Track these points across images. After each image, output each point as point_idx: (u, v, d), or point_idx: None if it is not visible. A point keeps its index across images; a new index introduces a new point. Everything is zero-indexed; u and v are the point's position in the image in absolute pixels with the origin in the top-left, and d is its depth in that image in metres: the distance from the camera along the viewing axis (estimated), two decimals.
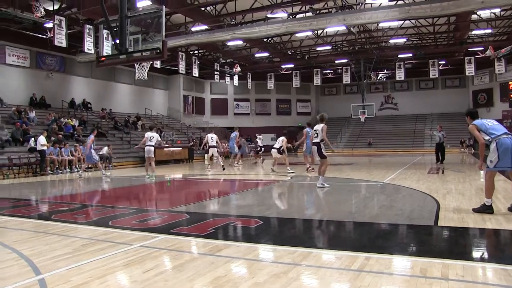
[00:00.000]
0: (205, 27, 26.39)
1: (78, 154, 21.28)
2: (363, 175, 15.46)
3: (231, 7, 24.31)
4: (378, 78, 41.86)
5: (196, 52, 34.90)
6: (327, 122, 11.83)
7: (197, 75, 32.93)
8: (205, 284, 3.99)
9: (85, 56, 27.83)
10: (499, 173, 8.68)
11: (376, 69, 40.83)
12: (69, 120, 26.27)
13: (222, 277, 4.19)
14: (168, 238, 5.90)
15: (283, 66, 40.67)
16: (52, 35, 21.88)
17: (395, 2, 23.39)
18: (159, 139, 16.32)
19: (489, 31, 30.46)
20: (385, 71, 40.94)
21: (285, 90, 46.62)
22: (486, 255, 5.04)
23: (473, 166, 18.79)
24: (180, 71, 30.66)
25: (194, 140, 32.96)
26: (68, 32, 21.61)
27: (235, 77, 37.40)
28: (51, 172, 19.63)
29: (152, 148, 15.83)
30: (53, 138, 21.71)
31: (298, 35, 29.85)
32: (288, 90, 46.63)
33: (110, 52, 12.66)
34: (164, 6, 10.91)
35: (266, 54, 36.61)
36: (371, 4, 22.98)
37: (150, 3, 19.80)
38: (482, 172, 9.49)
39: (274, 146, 17.44)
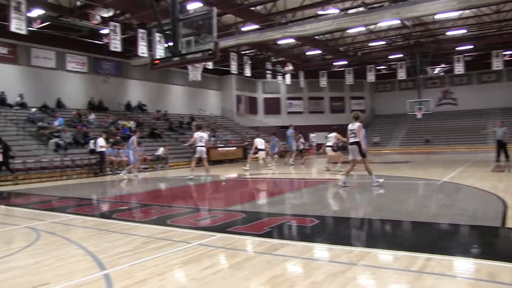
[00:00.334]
0: (256, 26, 26.46)
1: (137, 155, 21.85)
2: (421, 173, 15.07)
3: (281, 6, 24.28)
4: (435, 72, 40.62)
5: (247, 52, 35.06)
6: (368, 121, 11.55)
7: (249, 74, 33.10)
8: (262, 282, 4.02)
9: (139, 59, 28.54)
10: None
11: (433, 63, 39.62)
12: (126, 122, 27.04)
13: (279, 276, 4.20)
14: (224, 236, 5.99)
15: (335, 63, 40.16)
16: (107, 41, 22.68)
17: None
18: (207, 138, 16.34)
19: None
20: (443, 65, 39.65)
21: (338, 87, 46.01)
22: None
23: None
24: (232, 71, 30.92)
25: (248, 140, 33.17)
26: (122, 37, 22.34)
27: (287, 76, 37.31)
28: (110, 173, 20.30)
29: (204, 149, 15.86)
30: (111, 140, 22.43)
31: (350, 31, 29.40)
32: (341, 88, 45.99)
33: (163, 55, 12.95)
34: (215, 8, 11.05)
35: (318, 52, 36.27)
36: None
37: (201, 5, 20.07)
38: None
39: (327, 144, 17.24)
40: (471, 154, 27.72)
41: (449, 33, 31.87)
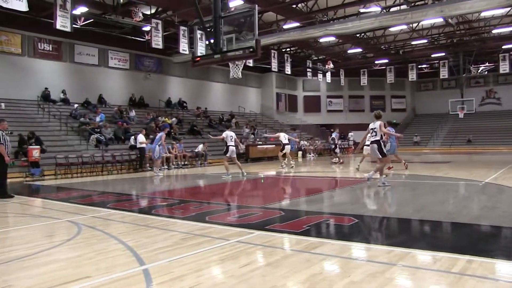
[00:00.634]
0: (297, 24, 26.35)
1: (175, 151, 22.10)
2: (462, 174, 14.68)
3: (322, 3, 24.05)
4: (479, 71, 39.54)
5: (288, 49, 34.96)
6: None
7: (289, 72, 32.99)
8: (301, 281, 3.98)
9: (180, 56, 28.89)
10: None
11: (477, 62, 38.60)
12: (166, 119, 27.37)
13: (317, 274, 4.16)
14: (263, 234, 5.95)
15: (376, 62, 39.68)
16: (149, 38, 23.03)
17: None
18: (235, 137, 16.26)
19: None
20: (487, 64, 38.54)
21: (379, 86, 45.40)
22: None
23: None
24: (272, 69, 30.92)
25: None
26: (164, 34, 22.60)
27: (328, 74, 37.05)
28: (150, 169, 20.54)
29: (235, 148, 15.85)
30: (151, 136, 22.71)
31: (392, 29, 28.94)
32: (382, 86, 45.34)
33: (204, 52, 13.01)
34: (256, 5, 11.00)
35: (359, 50, 35.88)
36: None
37: (242, 2, 20.10)
38: None
39: (365, 144, 16.86)
40: None
41: (495, 31, 30.99)
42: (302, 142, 32.26)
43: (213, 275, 4.35)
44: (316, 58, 36.87)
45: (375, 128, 11.18)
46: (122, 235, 6.16)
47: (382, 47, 35.56)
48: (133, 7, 21.29)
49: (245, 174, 15.73)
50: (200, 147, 23.39)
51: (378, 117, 11.42)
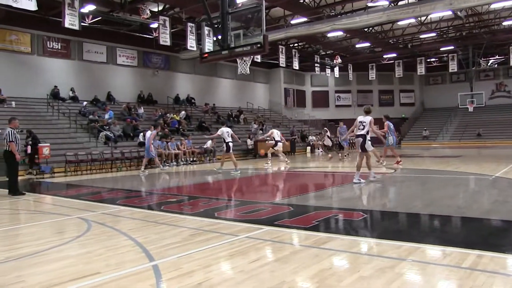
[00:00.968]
0: (305, 19, 26.27)
1: (184, 148, 22.15)
2: (472, 168, 14.59)
3: None
4: (489, 64, 39.25)
5: (296, 44, 34.89)
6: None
7: (297, 68, 32.95)
8: (310, 276, 3.98)
9: (188, 53, 28.91)
10: None
11: (486, 55, 38.30)
12: (175, 115, 27.43)
13: (327, 269, 4.16)
14: (272, 230, 5.96)
15: (385, 56, 39.50)
16: (157, 35, 23.08)
17: None
18: (232, 133, 16.23)
19: None
20: (497, 57, 38.21)
21: (387, 80, 45.16)
22: None
23: None
24: (280, 65, 30.89)
25: (297, 133, 33.10)
26: (171, 31, 22.64)
27: (336, 69, 36.96)
28: (168, 165, 20.61)
29: (232, 144, 15.81)
30: (160, 133, 22.78)
31: (400, 23, 28.76)
32: (391, 81, 45.10)
33: (212, 48, 12.98)
34: (263, 1, 10.98)
35: (367, 44, 35.74)
36: None
37: None
38: None
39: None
40: None
41: (505, 23, 30.64)
42: (310, 137, 32.23)
43: (222, 271, 4.36)
44: (324, 53, 36.78)
45: (365, 122, 11.14)
46: (132, 231, 6.20)
47: (390, 41, 35.38)
48: (140, 4, 21.35)
49: (239, 172, 15.58)
50: (209, 143, 23.43)
51: (368, 112, 11.41)
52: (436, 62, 42.00)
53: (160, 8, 22.89)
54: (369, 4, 23.90)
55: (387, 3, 23.42)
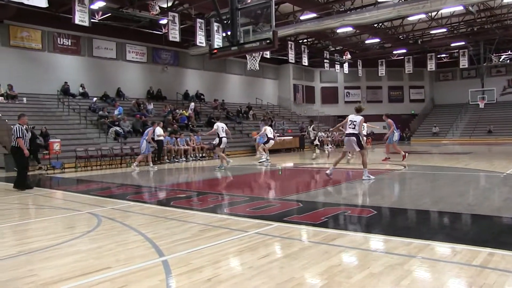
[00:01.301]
0: (314, 15, 26.18)
1: (193, 144, 22.20)
2: (483, 165, 14.49)
3: None
4: (501, 60, 38.89)
5: (305, 40, 34.79)
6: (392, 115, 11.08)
7: (306, 63, 32.82)
8: (319, 272, 3.98)
9: (197, 49, 28.93)
10: None
11: (498, 50, 37.96)
12: (184, 111, 27.49)
13: (336, 266, 4.16)
14: (281, 226, 5.97)
15: (394, 52, 39.30)
16: (166, 31, 23.11)
17: None
18: (226, 128, 16.44)
19: None
20: (509, 52, 37.85)
21: (397, 76, 44.91)
22: None
23: None
24: (289, 60, 30.80)
25: (304, 130, 32.99)
26: (180, 27, 22.66)
27: (345, 65, 36.81)
28: (168, 161, 20.71)
29: (226, 139, 16.07)
30: (169, 129, 22.86)
31: (410, 18, 28.53)
32: (400, 77, 44.85)
33: (221, 44, 13.00)
34: None
35: (377, 40, 35.56)
36: None
37: None
38: None
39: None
40: None
41: None
42: (319, 134, 32.13)
43: (232, 267, 4.37)
44: (333, 49, 36.61)
45: (355, 121, 11.04)
46: (141, 226, 6.23)
47: (400, 36, 35.13)
48: (150, 0, 21.38)
49: (223, 167, 15.93)
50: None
51: (359, 111, 11.33)
52: (446, 58, 41.73)
53: (170, 4, 22.91)
54: (379, 0, 23.77)
55: None
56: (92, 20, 19.58)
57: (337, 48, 37.13)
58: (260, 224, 6.09)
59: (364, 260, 4.33)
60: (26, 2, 15.22)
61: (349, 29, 29.37)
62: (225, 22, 11.66)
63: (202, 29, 23.21)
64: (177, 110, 27.35)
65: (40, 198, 10.24)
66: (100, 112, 23.06)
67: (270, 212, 7.15)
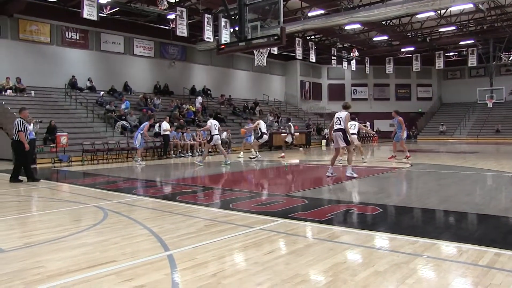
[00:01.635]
0: (322, 11, 26.13)
1: (199, 139, 22.24)
2: (490, 164, 14.43)
3: None
4: (510, 59, 38.63)
5: (312, 37, 34.71)
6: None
7: (314, 60, 32.79)
8: (324, 269, 3.98)
9: (204, 44, 28.95)
10: None
11: (508, 49, 37.69)
12: (190, 106, 27.52)
13: (341, 263, 4.16)
14: (287, 222, 5.98)
15: (402, 50, 39.17)
16: (174, 26, 23.14)
17: None
18: (219, 126, 16.49)
19: None
20: None
21: (404, 74, 44.79)
22: None
23: None
24: (297, 57, 30.74)
25: (312, 126, 33.01)
26: (188, 22, 22.67)
27: (353, 62, 36.75)
28: (174, 156, 20.76)
29: (219, 137, 16.13)
30: (175, 124, 22.91)
31: (419, 16, 28.43)
32: (408, 74, 44.73)
33: (228, 40, 13.03)
34: None
35: (385, 38, 35.45)
36: None
37: None
38: None
39: (352, 132, 15.87)
40: None
41: None
42: (326, 130, 32.12)
43: (237, 262, 4.38)
44: (341, 45, 36.54)
45: (341, 117, 11.05)
46: (147, 220, 6.26)
47: (408, 34, 35.01)
48: None
49: (229, 162, 15.97)
50: (224, 135, 23.46)
51: (345, 108, 11.34)
52: (455, 56, 41.50)
53: None
54: None
55: None
56: (100, 14, 19.64)
57: (344, 45, 37.04)
58: (266, 220, 6.11)
59: (369, 258, 4.32)
60: None
61: (357, 26, 29.29)
62: (233, 17, 11.67)
63: (210, 25, 23.22)
64: (184, 105, 27.38)
65: (47, 191, 10.30)
66: (107, 106, 23.14)
67: (275, 208, 7.17)
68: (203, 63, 33.27)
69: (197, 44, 30.50)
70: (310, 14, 26.65)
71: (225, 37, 17.78)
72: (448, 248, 4.74)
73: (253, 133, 19.52)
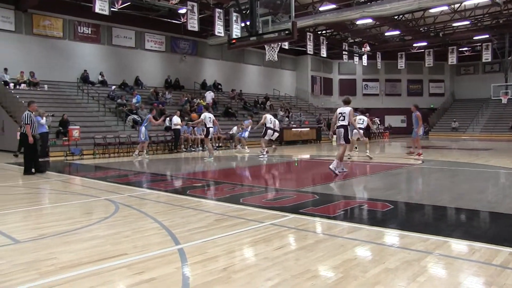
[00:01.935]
0: (333, 6, 25.99)
1: None
2: (504, 161, 14.25)
3: None
4: None
5: (324, 32, 34.54)
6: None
7: (325, 55, 32.65)
8: (335, 266, 3.97)
9: (215, 39, 28.91)
10: None
11: None
12: (201, 101, 27.54)
13: (351, 260, 4.15)
14: (297, 217, 5.97)
15: (415, 45, 38.81)
16: (185, 20, 23.12)
17: None
18: (214, 119, 16.40)
19: None
20: None
21: (416, 69, 44.39)
22: None
23: None
24: (308, 52, 30.62)
25: (322, 122, 32.90)
26: (199, 16, 22.66)
27: (364, 57, 36.51)
28: (185, 150, 20.82)
29: (213, 130, 16.08)
30: (186, 118, 22.95)
31: (432, 10, 28.10)
32: (420, 70, 44.32)
33: (239, 34, 13.02)
34: None
35: (397, 32, 35.17)
36: None
37: None
38: None
39: (359, 127, 15.52)
40: None
41: None
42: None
43: (247, 257, 4.39)
44: (352, 40, 36.32)
45: (344, 113, 10.84)
46: (158, 214, 6.29)
47: (421, 29, 34.62)
48: None
49: (212, 158, 15.89)
50: (235, 129, 23.48)
51: (347, 103, 11.08)
52: (468, 51, 40.99)
53: None
54: None
55: None
56: (111, 9, 19.67)
57: (356, 40, 36.80)
58: (276, 215, 6.11)
59: (380, 255, 4.30)
60: None
61: (369, 21, 29.10)
62: (244, 12, 11.66)
63: (221, 19, 23.20)
64: (195, 100, 27.42)
65: (60, 183, 10.39)
66: (119, 100, 23.24)
67: (285, 203, 7.16)
68: (214, 57, 33.27)
69: (208, 38, 30.47)
70: (321, 8, 26.53)
71: (236, 31, 17.82)
72: (460, 246, 4.70)
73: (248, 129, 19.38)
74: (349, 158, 14.99)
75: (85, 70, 24.90)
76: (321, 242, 4.81)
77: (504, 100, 37.02)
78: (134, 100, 23.62)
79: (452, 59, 36.92)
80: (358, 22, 29.96)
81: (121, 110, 22.45)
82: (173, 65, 30.26)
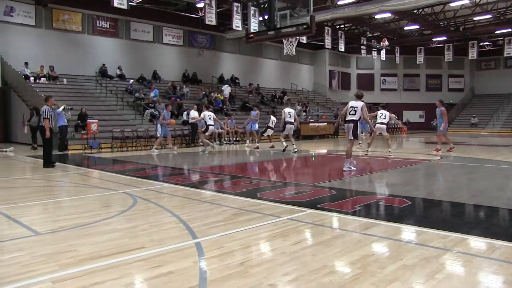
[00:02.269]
0: (352, 0, 25.76)
1: (227, 127, 22.31)
2: None
3: None
4: None
5: (342, 26, 34.31)
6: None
7: (343, 49, 32.44)
8: (352, 261, 3.96)
9: (233, 33, 28.93)
10: None
11: None
12: (219, 95, 27.59)
13: (369, 256, 4.13)
14: (314, 213, 5.96)
15: (434, 39, 38.30)
16: (203, 15, 23.18)
17: None
18: (215, 117, 16.62)
19: None
20: None
21: (435, 64, 43.84)
22: None
23: None
24: (326, 46, 30.48)
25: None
26: (217, 10, 22.68)
27: (383, 52, 36.19)
28: (202, 144, 20.85)
29: (214, 128, 16.37)
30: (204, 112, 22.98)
31: (452, 4, 27.68)
32: (439, 65, 43.77)
33: (257, 29, 12.97)
34: None
35: (416, 27, 34.76)
36: None
37: None
38: None
39: (381, 121, 15.01)
40: None
41: None
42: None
43: (264, 252, 4.40)
44: (370, 35, 36.03)
45: (356, 107, 10.46)
46: (175, 208, 6.32)
47: (440, 23, 34.16)
48: None
49: (206, 152, 16.24)
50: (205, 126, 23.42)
51: (359, 97, 10.82)
52: (489, 46, 40.34)
53: None
54: None
55: None
56: (130, 3, 19.79)
57: (374, 35, 36.49)
58: (293, 210, 6.10)
59: (398, 251, 4.27)
60: None
61: (388, 15, 28.80)
62: (262, 6, 11.65)
63: (239, 13, 23.19)
64: (212, 94, 27.48)
65: (78, 176, 10.51)
66: (136, 94, 23.40)
67: (303, 198, 7.14)
68: (232, 51, 33.29)
69: (226, 32, 30.49)
70: (339, 2, 26.32)
71: (254, 25, 17.72)
72: (479, 244, 4.64)
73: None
74: (366, 154, 14.88)
75: (103, 64, 25.10)
76: (338, 237, 4.80)
77: None
78: (151, 94, 23.74)
79: (473, 53, 36.34)
80: (377, 16, 29.68)
81: (139, 104, 22.60)
82: (190, 59, 30.35)
